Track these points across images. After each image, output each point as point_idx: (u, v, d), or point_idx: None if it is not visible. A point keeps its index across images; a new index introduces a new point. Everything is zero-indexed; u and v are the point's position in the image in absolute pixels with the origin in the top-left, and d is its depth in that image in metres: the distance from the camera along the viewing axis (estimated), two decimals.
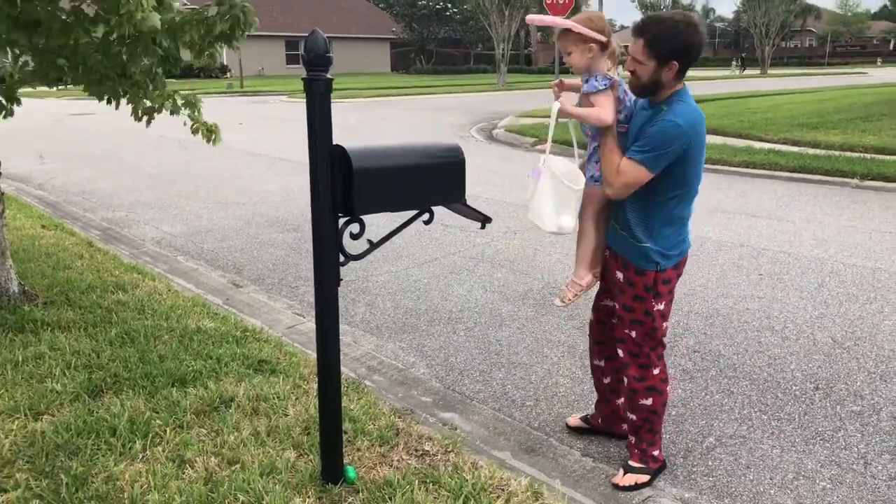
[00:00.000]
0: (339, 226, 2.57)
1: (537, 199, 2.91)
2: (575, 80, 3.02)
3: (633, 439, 3.18)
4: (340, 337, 2.77)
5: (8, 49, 4.13)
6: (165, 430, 3.19)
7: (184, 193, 9.69)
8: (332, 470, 2.83)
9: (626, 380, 3.12)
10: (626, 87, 2.86)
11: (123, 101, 4.46)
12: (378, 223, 2.72)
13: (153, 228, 7.78)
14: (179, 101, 4.50)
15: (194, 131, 4.64)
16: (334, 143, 2.51)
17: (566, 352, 4.52)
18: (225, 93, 32.87)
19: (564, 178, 2.85)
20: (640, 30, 2.69)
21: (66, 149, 14.13)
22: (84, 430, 3.15)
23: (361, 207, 2.52)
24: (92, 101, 5.12)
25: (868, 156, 11.41)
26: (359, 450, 3.11)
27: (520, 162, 12.32)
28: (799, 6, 60.51)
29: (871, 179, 9.87)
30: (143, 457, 3.00)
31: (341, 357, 2.82)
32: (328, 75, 2.46)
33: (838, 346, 4.56)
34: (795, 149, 12.50)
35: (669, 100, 2.74)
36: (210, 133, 4.61)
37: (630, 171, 2.75)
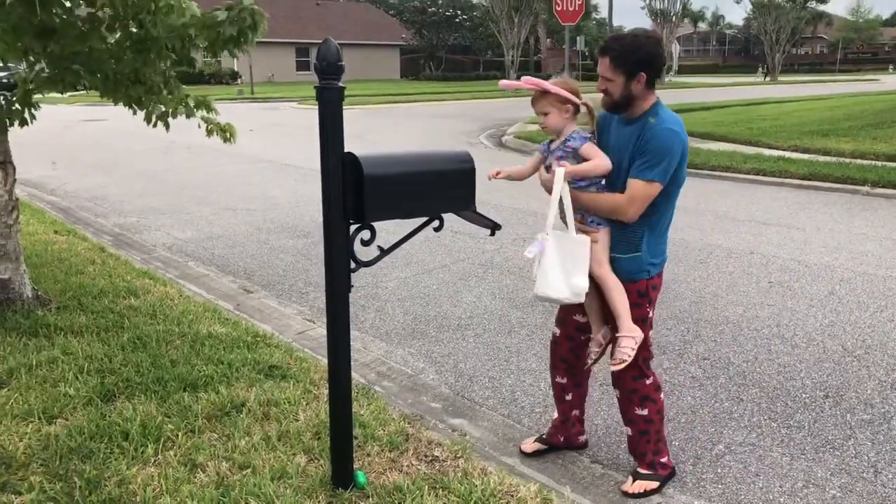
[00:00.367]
0: (351, 232, 2.60)
1: (544, 268, 2.84)
2: (515, 167, 3.08)
3: (636, 450, 3.18)
4: (350, 343, 2.79)
5: (22, 56, 4.19)
6: (177, 435, 3.21)
7: (194, 199, 9.75)
8: (342, 475, 2.84)
9: (618, 392, 3.14)
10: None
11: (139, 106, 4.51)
12: (388, 229, 2.74)
13: (164, 234, 7.84)
14: (192, 104, 4.54)
15: (209, 132, 4.68)
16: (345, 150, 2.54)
17: None
18: (235, 99, 33.03)
19: (571, 233, 2.85)
20: (604, 50, 2.82)
21: (77, 155, 14.24)
22: (97, 433, 3.18)
23: (372, 214, 2.54)
24: (103, 108, 5.19)
25: (879, 163, 11.37)
26: (369, 455, 3.13)
27: None
28: (810, 13, 60.35)
29: (883, 187, 9.83)
30: (155, 461, 3.02)
31: (351, 363, 2.83)
32: (340, 83, 2.49)
33: (849, 354, 4.54)
34: (806, 156, 12.48)
35: (652, 111, 2.82)
36: (225, 132, 4.65)
37: (644, 192, 2.77)
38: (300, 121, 21.95)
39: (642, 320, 2.96)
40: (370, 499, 2.80)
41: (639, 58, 2.76)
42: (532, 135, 15.97)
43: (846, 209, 8.85)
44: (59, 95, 5.16)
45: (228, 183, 11.00)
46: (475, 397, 4.04)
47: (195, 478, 2.90)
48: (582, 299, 2.86)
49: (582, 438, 3.46)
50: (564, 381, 3.29)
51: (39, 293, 4.92)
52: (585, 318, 3.10)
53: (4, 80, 18.17)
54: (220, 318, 4.83)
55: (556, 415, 3.41)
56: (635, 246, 2.90)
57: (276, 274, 6.35)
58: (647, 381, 3.07)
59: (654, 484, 3.12)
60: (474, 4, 61.82)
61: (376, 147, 13.48)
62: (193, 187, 10.63)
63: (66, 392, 3.56)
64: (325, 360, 3.89)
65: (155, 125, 4.56)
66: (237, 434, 3.24)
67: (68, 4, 3.93)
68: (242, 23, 3.91)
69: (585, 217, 2.91)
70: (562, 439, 3.40)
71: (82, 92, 4.64)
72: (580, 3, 17.54)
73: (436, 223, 2.77)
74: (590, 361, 3.14)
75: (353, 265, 2.62)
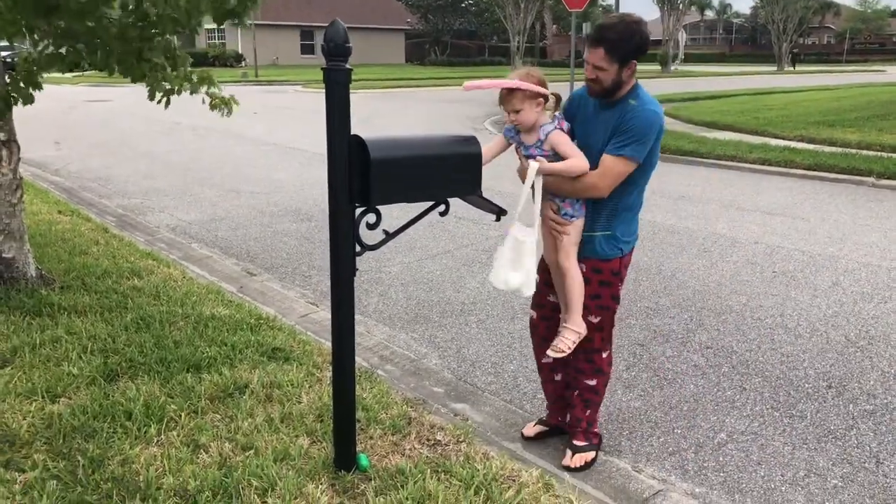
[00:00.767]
0: (356, 216, 2.59)
1: (495, 258, 2.94)
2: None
3: (574, 418, 3.24)
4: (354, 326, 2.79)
5: (27, 34, 4.16)
6: (180, 415, 3.22)
7: (198, 181, 9.74)
8: (345, 457, 2.85)
9: (571, 360, 3.17)
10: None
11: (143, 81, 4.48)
12: (393, 214, 2.73)
13: (168, 215, 7.83)
14: (195, 79, 4.52)
15: (213, 107, 4.67)
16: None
17: None
18: (240, 82, 32.93)
19: (519, 234, 2.88)
20: (597, 39, 2.77)
21: (81, 135, 14.22)
22: (100, 413, 3.19)
23: (378, 198, 2.53)
24: (108, 89, 5.18)
25: (885, 154, 11.32)
26: (371, 438, 3.13)
27: None
28: (818, 2, 59.96)
29: (888, 178, 9.78)
30: (158, 441, 3.03)
31: (355, 346, 2.83)
32: (347, 65, 2.47)
33: (852, 344, 4.54)
34: (811, 146, 12.42)
35: (633, 93, 2.84)
36: (228, 104, 4.66)
37: (618, 168, 2.80)
38: (306, 104, 21.88)
39: (614, 297, 3.05)
40: (372, 481, 2.80)
41: (633, 46, 2.76)
42: None
43: (851, 200, 8.82)
44: (63, 76, 5.15)
45: (233, 165, 10.98)
46: (477, 382, 4.05)
47: (198, 458, 2.91)
48: (524, 293, 2.90)
49: None
50: (550, 360, 3.30)
51: (43, 272, 4.92)
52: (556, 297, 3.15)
53: (7, 60, 18.11)
54: (224, 300, 4.84)
55: (551, 396, 3.43)
56: (612, 225, 2.95)
57: (279, 257, 6.35)
58: (604, 355, 3.16)
59: (592, 454, 3.21)
60: None
61: (381, 131, 13.49)
62: (198, 169, 10.61)
63: (69, 371, 3.57)
64: (328, 344, 3.89)
65: (159, 102, 4.54)
66: (240, 415, 3.24)
67: None
68: None
69: (560, 209, 2.94)
70: (560, 419, 3.42)
71: (88, 72, 4.62)
72: None
73: (441, 207, 2.76)
74: (551, 353, 3.13)
75: (358, 249, 2.61)
